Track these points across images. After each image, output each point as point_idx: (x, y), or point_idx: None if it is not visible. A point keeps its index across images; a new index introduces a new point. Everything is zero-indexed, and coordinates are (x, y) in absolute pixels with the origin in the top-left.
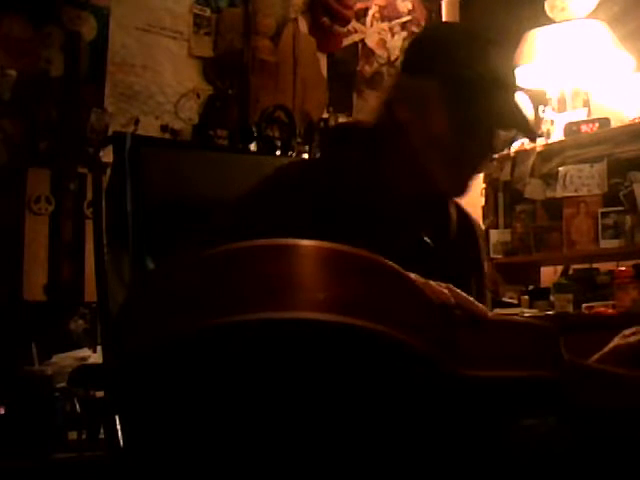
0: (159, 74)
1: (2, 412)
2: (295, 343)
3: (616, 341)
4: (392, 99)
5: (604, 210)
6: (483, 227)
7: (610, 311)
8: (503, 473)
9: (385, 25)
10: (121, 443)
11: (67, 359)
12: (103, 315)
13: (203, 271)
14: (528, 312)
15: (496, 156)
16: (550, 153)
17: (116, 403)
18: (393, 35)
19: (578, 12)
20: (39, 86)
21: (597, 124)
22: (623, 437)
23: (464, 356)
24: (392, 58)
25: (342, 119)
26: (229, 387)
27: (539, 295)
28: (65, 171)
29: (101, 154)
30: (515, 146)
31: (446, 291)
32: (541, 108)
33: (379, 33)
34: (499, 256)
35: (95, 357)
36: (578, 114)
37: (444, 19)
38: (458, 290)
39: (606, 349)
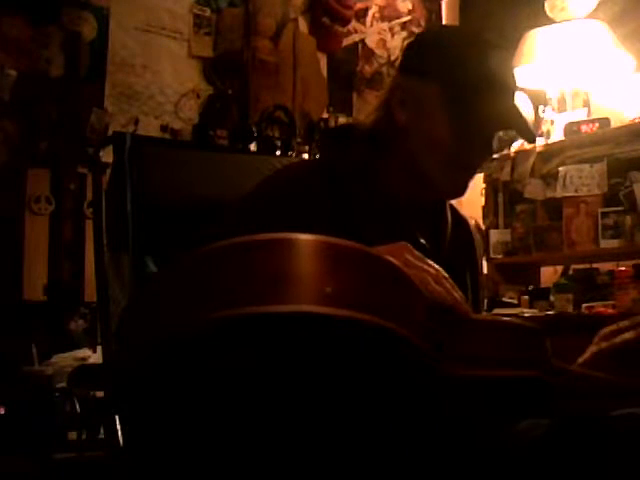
0: (159, 74)
1: (2, 412)
2: (297, 337)
3: (598, 343)
4: (391, 101)
5: (604, 210)
6: (483, 227)
7: (610, 311)
8: (495, 474)
9: (385, 25)
10: (121, 443)
11: (67, 359)
12: (103, 315)
13: (203, 267)
14: (528, 312)
15: (496, 156)
16: (550, 153)
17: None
18: (393, 35)
19: (578, 12)
20: (39, 86)
21: (597, 124)
22: (613, 440)
23: (452, 355)
24: (392, 58)
25: (342, 119)
26: (232, 383)
27: (539, 295)
28: (65, 171)
29: (101, 154)
30: (515, 146)
31: (436, 273)
32: (541, 108)
33: (379, 33)
34: (499, 256)
35: (95, 357)
36: (578, 114)
37: (444, 19)
38: (444, 279)
39: (589, 353)
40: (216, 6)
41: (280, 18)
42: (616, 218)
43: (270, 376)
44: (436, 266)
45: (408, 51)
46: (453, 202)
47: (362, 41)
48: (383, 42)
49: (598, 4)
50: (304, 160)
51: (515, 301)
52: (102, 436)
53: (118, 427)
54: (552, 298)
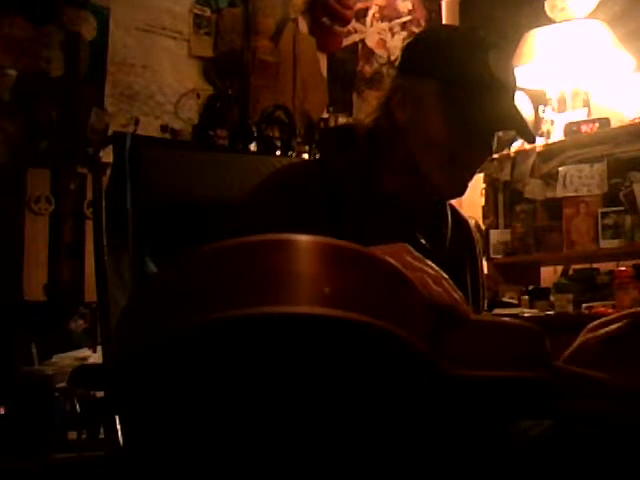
0: (159, 74)
1: (2, 412)
2: (295, 338)
3: (585, 335)
4: (390, 101)
5: (604, 210)
6: (483, 227)
7: (610, 311)
8: (495, 474)
9: (385, 25)
10: (121, 443)
11: (67, 359)
12: (103, 315)
13: (201, 267)
14: (528, 312)
15: (496, 156)
16: (550, 153)
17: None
18: (393, 35)
19: (578, 12)
20: (39, 86)
21: (597, 124)
22: (610, 441)
23: (452, 355)
24: (392, 58)
25: (342, 119)
26: (231, 384)
27: (539, 295)
28: (65, 171)
29: (101, 154)
30: (515, 146)
31: (435, 274)
32: (541, 108)
33: (379, 33)
34: (499, 256)
35: (95, 357)
36: (578, 114)
37: (444, 19)
38: (443, 279)
39: (575, 345)
40: (216, 6)
41: (280, 18)
42: (616, 218)
43: (269, 377)
44: (435, 267)
45: (407, 51)
46: (453, 202)
47: (362, 41)
48: (383, 42)
49: (598, 4)
50: (304, 160)
51: (515, 301)
52: (102, 436)
53: (118, 427)
54: (552, 298)
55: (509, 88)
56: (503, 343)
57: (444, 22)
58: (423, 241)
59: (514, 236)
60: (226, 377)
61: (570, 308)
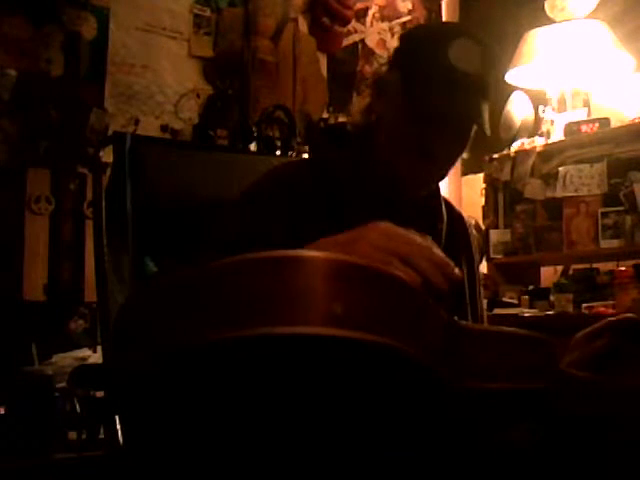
0: (159, 74)
1: (2, 412)
2: (305, 359)
3: (571, 352)
4: (372, 96)
5: (604, 210)
6: (483, 227)
7: (610, 311)
8: (496, 476)
9: (385, 25)
10: (121, 443)
11: (67, 359)
12: (103, 315)
13: (209, 283)
14: (528, 312)
15: (496, 156)
16: (550, 153)
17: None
18: (393, 35)
19: (578, 12)
20: (39, 86)
21: (597, 124)
22: (608, 444)
23: (461, 368)
24: None
25: (342, 119)
26: (239, 401)
27: (539, 295)
28: (65, 171)
29: (101, 154)
30: (515, 146)
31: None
32: (541, 108)
33: (379, 33)
34: (499, 256)
35: (95, 357)
36: (578, 114)
37: (444, 19)
38: (429, 247)
39: (563, 364)
40: (216, 6)
41: (280, 18)
42: (616, 218)
43: (277, 396)
44: (422, 237)
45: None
46: (453, 202)
47: (362, 41)
48: (383, 42)
49: (598, 4)
50: (298, 159)
51: (515, 301)
52: (102, 436)
53: (118, 427)
54: (552, 298)
55: (472, 79)
56: (511, 354)
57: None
58: None
59: (514, 236)
60: (234, 394)
61: (570, 308)
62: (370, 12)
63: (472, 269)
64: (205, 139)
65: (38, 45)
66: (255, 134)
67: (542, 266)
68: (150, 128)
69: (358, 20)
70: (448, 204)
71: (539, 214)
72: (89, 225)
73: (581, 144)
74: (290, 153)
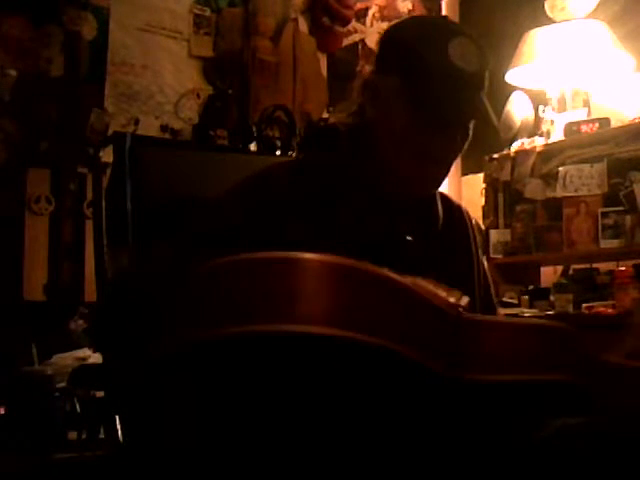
0: (159, 74)
1: (2, 412)
2: (305, 357)
3: (629, 341)
4: (362, 99)
5: (604, 210)
6: (483, 227)
7: (610, 311)
8: (507, 474)
9: (385, 25)
10: (121, 443)
11: (67, 359)
12: None
13: (210, 282)
14: (528, 312)
15: (496, 156)
16: (550, 153)
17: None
18: None
19: (578, 12)
20: (39, 86)
21: (597, 124)
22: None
23: (471, 361)
24: None
25: (332, 120)
26: (240, 397)
27: (539, 295)
28: (65, 171)
29: (101, 154)
30: (515, 146)
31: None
32: (541, 108)
33: (379, 33)
34: (499, 256)
35: (95, 357)
36: (578, 114)
37: None
38: (425, 284)
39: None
40: (216, 6)
41: (280, 18)
42: (616, 218)
43: (277, 393)
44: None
45: (379, 47)
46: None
47: (362, 41)
48: None
49: (598, 4)
50: (287, 160)
51: (515, 301)
52: (102, 436)
53: (118, 427)
54: (552, 298)
55: (473, 77)
56: (530, 346)
57: None
58: (409, 237)
59: (514, 236)
60: (235, 390)
61: (570, 308)
62: (370, 12)
63: (471, 258)
64: (205, 139)
65: (38, 45)
66: (255, 134)
67: (542, 266)
68: (150, 128)
69: (358, 20)
70: (446, 198)
71: (539, 214)
72: (89, 225)
73: (581, 144)
74: (290, 153)
